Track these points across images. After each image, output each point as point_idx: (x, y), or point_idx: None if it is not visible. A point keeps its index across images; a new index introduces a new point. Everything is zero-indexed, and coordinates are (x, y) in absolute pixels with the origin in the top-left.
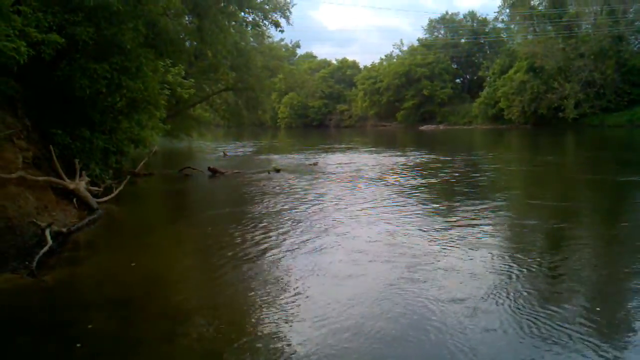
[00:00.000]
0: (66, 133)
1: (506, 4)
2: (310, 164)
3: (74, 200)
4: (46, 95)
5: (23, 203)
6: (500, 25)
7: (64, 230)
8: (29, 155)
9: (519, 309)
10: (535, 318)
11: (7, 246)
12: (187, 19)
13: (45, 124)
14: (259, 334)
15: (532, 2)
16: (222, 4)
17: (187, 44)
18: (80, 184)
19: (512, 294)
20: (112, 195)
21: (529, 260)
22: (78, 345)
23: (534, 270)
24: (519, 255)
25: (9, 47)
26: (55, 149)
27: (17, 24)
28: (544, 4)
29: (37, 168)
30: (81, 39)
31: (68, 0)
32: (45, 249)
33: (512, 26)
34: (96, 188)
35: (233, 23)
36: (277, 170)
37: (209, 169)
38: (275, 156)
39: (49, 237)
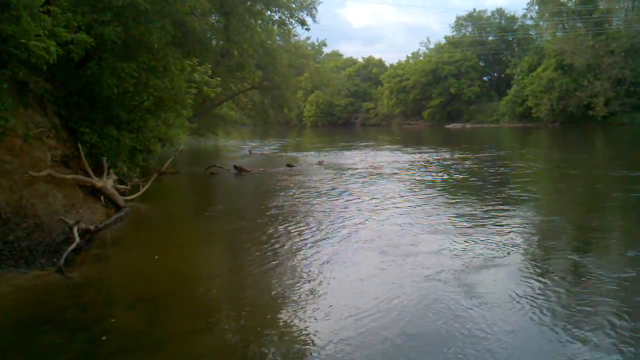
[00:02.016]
0: (94, 131)
1: (535, 1)
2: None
3: (102, 198)
4: (75, 95)
5: (51, 201)
6: (528, 22)
7: (92, 227)
8: (57, 154)
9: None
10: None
11: (36, 243)
12: (213, 18)
13: (74, 123)
14: (285, 330)
15: None
16: (249, 3)
17: (214, 42)
18: (108, 182)
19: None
20: (139, 193)
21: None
22: (105, 341)
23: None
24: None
25: (39, 46)
26: (83, 148)
27: (46, 24)
28: (573, 0)
29: (66, 166)
30: (109, 38)
31: (97, 0)
32: (73, 246)
33: (541, 23)
34: (123, 186)
35: (259, 22)
36: (291, 166)
37: (235, 167)
38: (300, 154)
39: (76, 235)
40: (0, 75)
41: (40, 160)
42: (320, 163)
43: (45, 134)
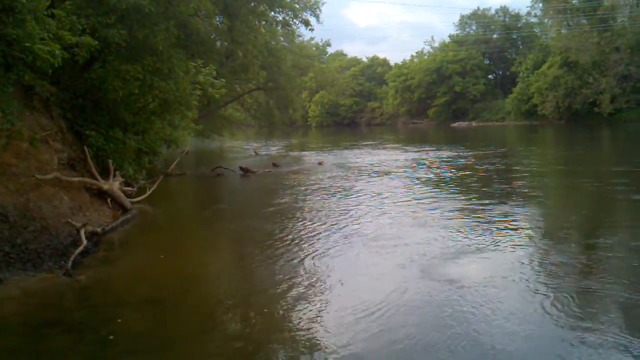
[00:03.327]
0: (100, 134)
1: None
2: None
3: (108, 200)
4: (80, 97)
5: (58, 203)
6: (533, 19)
7: (99, 230)
8: (63, 157)
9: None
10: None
11: (43, 246)
12: (217, 19)
13: (80, 126)
14: (293, 332)
15: None
16: (253, 4)
17: (218, 44)
18: (114, 185)
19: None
20: (146, 195)
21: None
22: (112, 343)
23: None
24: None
25: (44, 50)
26: (89, 150)
27: (51, 28)
28: None
29: (72, 169)
30: (114, 41)
31: (101, 3)
32: (80, 248)
33: (546, 20)
34: (130, 188)
35: (263, 23)
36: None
37: (241, 168)
38: (305, 154)
39: (83, 237)
40: (6, 79)
41: (46, 164)
42: (320, 163)
43: (51, 137)
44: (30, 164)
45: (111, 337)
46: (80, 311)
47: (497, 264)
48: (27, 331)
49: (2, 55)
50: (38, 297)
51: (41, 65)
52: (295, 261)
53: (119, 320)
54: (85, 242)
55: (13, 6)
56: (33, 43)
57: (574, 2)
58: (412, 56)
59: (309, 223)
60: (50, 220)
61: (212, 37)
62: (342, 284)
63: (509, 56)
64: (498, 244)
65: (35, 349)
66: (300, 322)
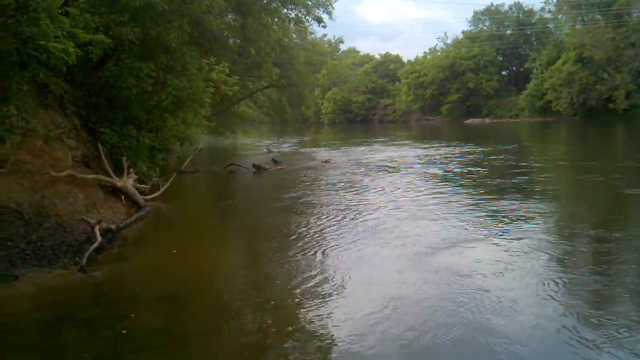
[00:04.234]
0: (114, 131)
1: None
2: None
3: (122, 197)
4: (94, 95)
5: (73, 201)
6: (547, 15)
7: (113, 227)
8: (78, 154)
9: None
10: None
11: (58, 243)
12: (230, 16)
13: (94, 123)
14: (306, 328)
15: None
16: (265, 1)
17: (231, 41)
18: (128, 182)
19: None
20: (159, 192)
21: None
22: (126, 339)
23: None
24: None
25: (58, 48)
26: (103, 148)
27: (65, 26)
28: None
29: (86, 166)
30: (127, 39)
31: (114, 1)
32: (95, 245)
33: (560, 16)
34: (143, 185)
35: (276, 20)
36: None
37: (253, 165)
38: (318, 151)
39: (98, 234)
40: (21, 77)
41: (61, 161)
42: (327, 161)
43: (65, 135)
44: (45, 161)
45: (125, 333)
46: (94, 307)
47: (509, 253)
48: (42, 327)
49: (17, 54)
50: (53, 293)
51: (55, 63)
52: (308, 256)
53: (133, 316)
54: (99, 238)
55: (28, 4)
56: (47, 41)
57: None
58: (425, 53)
59: (322, 218)
60: (65, 217)
61: (225, 34)
62: (354, 278)
63: (522, 52)
64: (507, 234)
65: (50, 345)
66: (314, 317)
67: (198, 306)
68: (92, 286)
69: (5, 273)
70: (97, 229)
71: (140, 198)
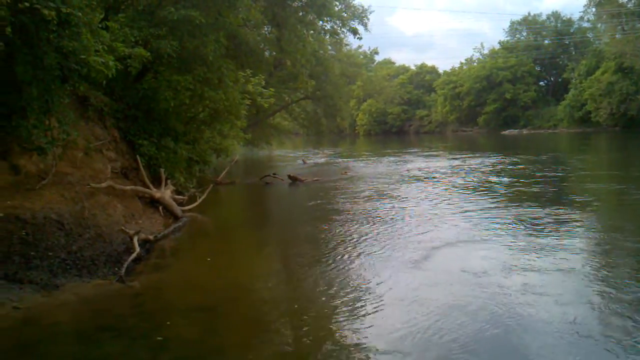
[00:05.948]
0: (152, 143)
1: (592, 3)
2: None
3: (160, 208)
4: (133, 108)
5: (112, 211)
6: (586, 24)
7: (151, 237)
8: (117, 166)
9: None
10: None
11: (98, 253)
12: (266, 29)
13: (132, 135)
14: (343, 341)
15: None
16: (301, 14)
17: (267, 54)
18: (166, 193)
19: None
20: (196, 203)
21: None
22: (164, 349)
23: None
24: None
25: (98, 62)
26: (141, 159)
27: (105, 40)
28: (632, 1)
29: (125, 178)
30: (165, 52)
31: (153, 15)
32: (134, 255)
33: (599, 25)
34: (181, 197)
35: (311, 32)
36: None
37: (289, 176)
38: (353, 163)
39: (136, 245)
40: (62, 91)
41: (100, 172)
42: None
43: (105, 147)
44: (85, 172)
45: (163, 343)
46: (132, 317)
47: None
48: (82, 336)
49: (59, 68)
50: (92, 302)
51: (96, 76)
52: (344, 267)
53: (170, 326)
54: (138, 249)
55: (69, 19)
56: (88, 55)
57: (628, 5)
58: (461, 63)
59: (358, 228)
60: (104, 228)
61: (261, 47)
62: (392, 289)
63: (560, 62)
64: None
65: (89, 355)
66: (352, 328)
67: (234, 316)
68: (130, 296)
69: (47, 282)
70: (135, 239)
71: (177, 209)
